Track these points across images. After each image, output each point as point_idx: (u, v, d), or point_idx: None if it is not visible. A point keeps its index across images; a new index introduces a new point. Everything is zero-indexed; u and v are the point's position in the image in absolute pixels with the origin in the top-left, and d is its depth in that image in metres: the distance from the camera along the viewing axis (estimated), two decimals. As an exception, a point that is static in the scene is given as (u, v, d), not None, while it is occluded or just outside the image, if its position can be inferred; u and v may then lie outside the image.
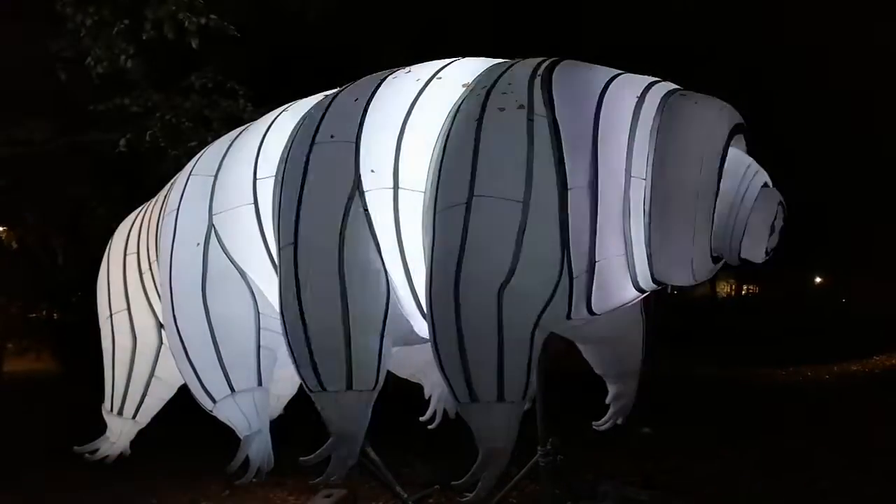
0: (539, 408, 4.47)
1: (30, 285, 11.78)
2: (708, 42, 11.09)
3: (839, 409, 9.27)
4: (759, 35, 11.21)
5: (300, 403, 4.56)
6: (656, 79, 3.66)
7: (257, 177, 4.26)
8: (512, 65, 3.76)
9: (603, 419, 4.65)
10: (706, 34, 11.05)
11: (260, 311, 4.32)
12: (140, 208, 5.44)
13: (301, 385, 4.04)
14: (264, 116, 4.70)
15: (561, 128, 3.38)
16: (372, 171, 3.75)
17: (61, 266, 11.74)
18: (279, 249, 3.96)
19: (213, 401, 4.33)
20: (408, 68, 4.11)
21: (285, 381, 4.68)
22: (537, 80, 3.51)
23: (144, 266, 5.03)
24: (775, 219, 3.44)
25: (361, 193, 3.75)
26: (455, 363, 3.38)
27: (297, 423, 4.78)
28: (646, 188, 3.39)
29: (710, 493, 5.55)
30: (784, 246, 3.65)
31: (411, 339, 4.01)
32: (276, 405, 5.03)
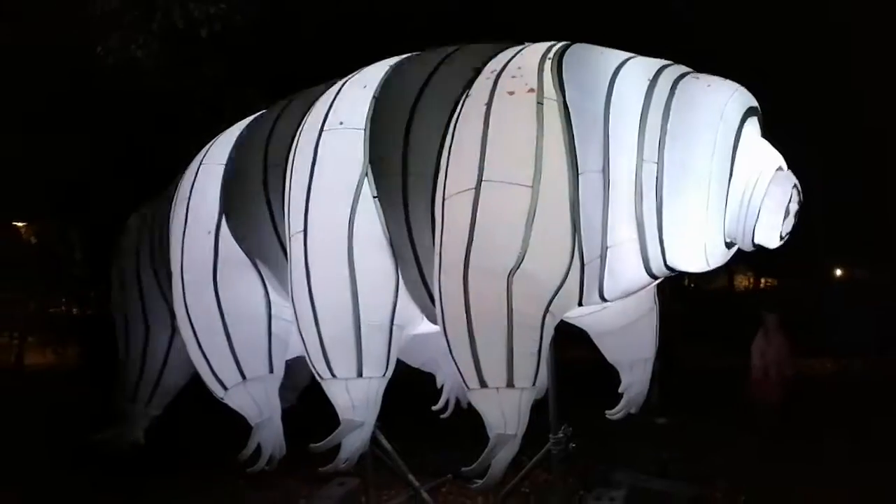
0: (551, 395, 4.42)
1: (49, 280, 11.88)
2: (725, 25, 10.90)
3: (855, 401, 9.17)
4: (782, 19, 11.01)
5: (312, 392, 4.56)
6: (668, 62, 3.58)
7: (268, 164, 4.27)
8: (521, 49, 3.71)
9: (616, 408, 4.59)
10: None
11: (271, 299, 4.34)
12: (151, 199, 5.47)
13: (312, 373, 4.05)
14: (274, 105, 4.70)
15: (571, 111, 3.33)
16: (381, 157, 3.73)
17: (79, 261, 11.83)
18: (289, 237, 3.96)
19: (225, 388, 4.36)
20: (416, 54, 4.09)
21: (297, 369, 4.69)
22: (547, 64, 3.45)
23: (157, 256, 5.05)
24: (790, 202, 3.33)
25: (371, 180, 3.74)
26: (465, 349, 3.36)
27: (310, 411, 4.78)
28: (658, 172, 3.31)
29: (724, 483, 5.50)
30: (802, 236, 3.55)
31: (422, 326, 4.00)
32: (290, 394, 5.05)
